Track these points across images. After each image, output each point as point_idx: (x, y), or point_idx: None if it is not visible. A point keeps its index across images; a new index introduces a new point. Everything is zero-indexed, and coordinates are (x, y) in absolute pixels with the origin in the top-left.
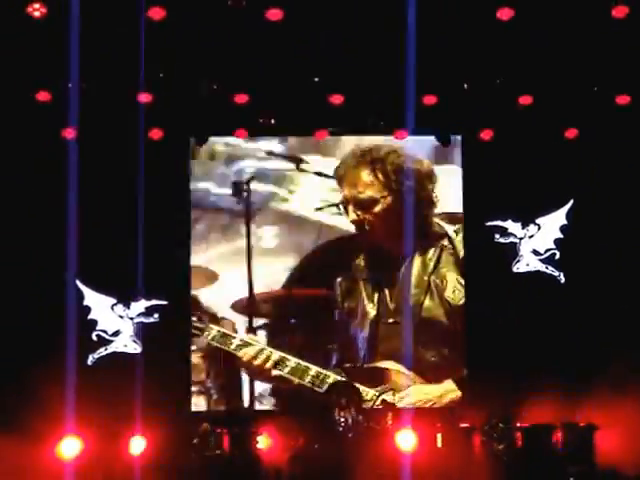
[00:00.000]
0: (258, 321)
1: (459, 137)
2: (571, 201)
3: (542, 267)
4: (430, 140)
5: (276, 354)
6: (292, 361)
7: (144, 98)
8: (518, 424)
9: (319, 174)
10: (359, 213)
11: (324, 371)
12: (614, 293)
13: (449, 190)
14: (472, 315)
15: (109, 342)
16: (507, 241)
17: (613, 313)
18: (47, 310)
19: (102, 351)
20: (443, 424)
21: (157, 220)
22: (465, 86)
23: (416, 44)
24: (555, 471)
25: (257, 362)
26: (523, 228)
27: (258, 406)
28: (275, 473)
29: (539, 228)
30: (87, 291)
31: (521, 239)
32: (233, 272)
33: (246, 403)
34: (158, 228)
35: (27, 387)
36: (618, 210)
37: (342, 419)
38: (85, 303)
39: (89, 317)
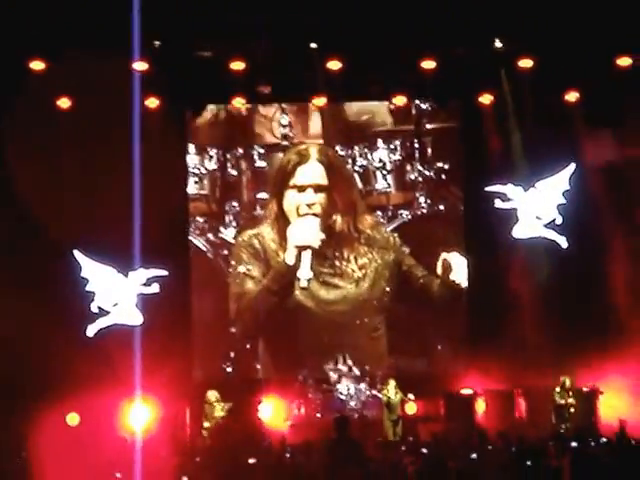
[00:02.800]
0: None
1: (459, 102)
2: (573, 165)
3: (544, 232)
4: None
5: None
6: None
7: (140, 66)
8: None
9: None
10: None
11: None
12: (615, 260)
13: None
14: (474, 282)
15: (108, 313)
16: (508, 207)
17: (613, 280)
18: (45, 281)
19: (102, 322)
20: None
21: (155, 190)
22: (464, 50)
23: (412, 8)
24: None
25: None
26: (524, 193)
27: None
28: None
29: (540, 193)
30: (85, 262)
31: (522, 204)
32: None
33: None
34: (156, 198)
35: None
36: (618, 174)
37: (344, 388)
38: (83, 274)
39: (87, 288)
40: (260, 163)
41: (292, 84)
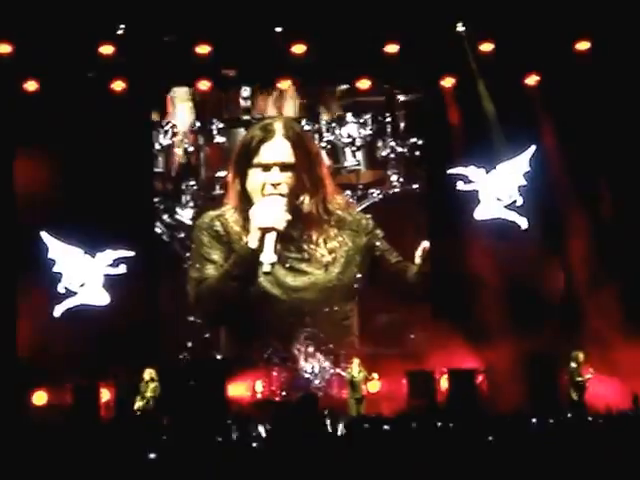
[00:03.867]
0: None
1: (421, 85)
2: (533, 147)
3: (505, 214)
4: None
5: None
6: None
7: (105, 50)
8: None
9: None
10: None
11: None
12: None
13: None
14: (436, 264)
15: (75, 294)
16: (469, 189)
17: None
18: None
19: (69, 303)
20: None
21: (121, 171)
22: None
23: None
24: None
25: None
26: (485, 175)
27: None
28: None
29: (501, 175)
30: (52, 242)
31: (483, 186)
32: None
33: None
34: (122, 179)
35: None
36: (579, 154)
37: (308, 367)
38: (50, 256)
39: (54, 269)
40: (219, 139)
41: (257, 67)
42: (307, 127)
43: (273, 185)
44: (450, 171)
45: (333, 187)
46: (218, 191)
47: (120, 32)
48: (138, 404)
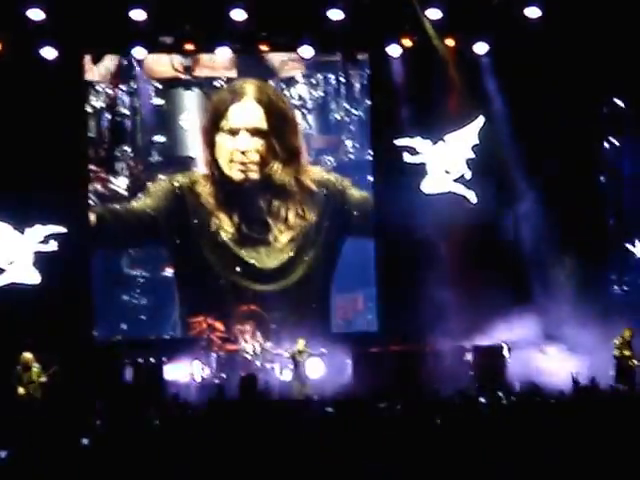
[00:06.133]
0: None
1: (366, 55)
2: (481, 118)
3: (453, 187)
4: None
5: None
6: None
7: (35, 15)
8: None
9: None
10: None
11: None
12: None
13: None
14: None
15: (3, 272)
16: (416, 161)
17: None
18: None
19: None
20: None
21: (52, 142)
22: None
23: None
24: None
25: None
26: (432, 146)
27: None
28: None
29: (449, 147)
30: None
31: (430, 158)
32: None
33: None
34: (53, 150)
35: None
36: (526, 126)
37: (250, 348)
38: None
39: None
40: (157, 100)
41: (195, 34)
42: None
43: (242, 152)
44: (396, 142)
45: (307, 158)
46: (156, 157)
47: None
48: (20, 390)
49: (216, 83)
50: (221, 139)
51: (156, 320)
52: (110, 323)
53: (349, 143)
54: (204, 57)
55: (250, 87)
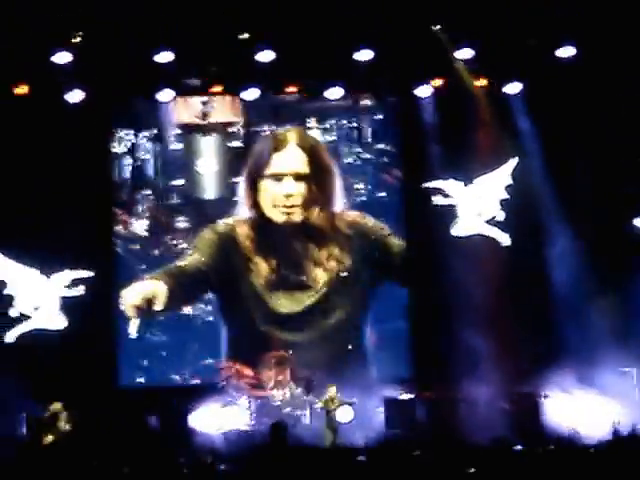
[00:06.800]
0: None
1: (396, 95)
2: (515, 159)
3: (485, 230)
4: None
5: None
6: None
7: (61, 58)
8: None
9: None
10: None
11: None
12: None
13: None
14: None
15: (29, 318)
16: (446, 203)
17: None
18: None
19: (22, 328)
20: None
21: (79, 186)
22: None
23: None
24: None
25: None
26: (464, 188)
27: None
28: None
29: (480, 188)
30: (5, 263)
31: (461, 201)
32: None
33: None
34: (78, 190)
35: None
36: (561, 166)
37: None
38: (1, 277)
39: (4, 292)
40: (176, 145)
41: (222, 76)
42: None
43: (286, 196)
44: (426, 185)
45: (343, 204)
46: (175, 200)
47: (77, 40)
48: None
49: (259, 130)
50: (265, 184)
51: (181, 364)
52: (135, 366)
53: (361, 185)
54: (219, 104)
55: (293, 134)
